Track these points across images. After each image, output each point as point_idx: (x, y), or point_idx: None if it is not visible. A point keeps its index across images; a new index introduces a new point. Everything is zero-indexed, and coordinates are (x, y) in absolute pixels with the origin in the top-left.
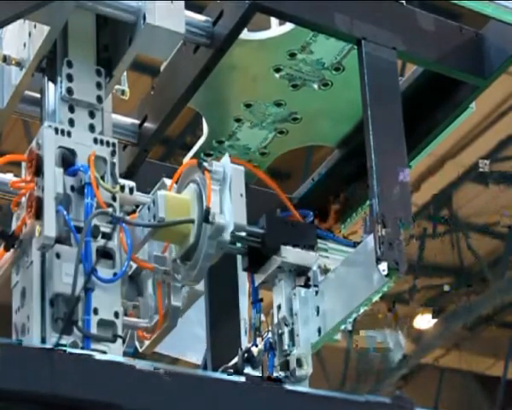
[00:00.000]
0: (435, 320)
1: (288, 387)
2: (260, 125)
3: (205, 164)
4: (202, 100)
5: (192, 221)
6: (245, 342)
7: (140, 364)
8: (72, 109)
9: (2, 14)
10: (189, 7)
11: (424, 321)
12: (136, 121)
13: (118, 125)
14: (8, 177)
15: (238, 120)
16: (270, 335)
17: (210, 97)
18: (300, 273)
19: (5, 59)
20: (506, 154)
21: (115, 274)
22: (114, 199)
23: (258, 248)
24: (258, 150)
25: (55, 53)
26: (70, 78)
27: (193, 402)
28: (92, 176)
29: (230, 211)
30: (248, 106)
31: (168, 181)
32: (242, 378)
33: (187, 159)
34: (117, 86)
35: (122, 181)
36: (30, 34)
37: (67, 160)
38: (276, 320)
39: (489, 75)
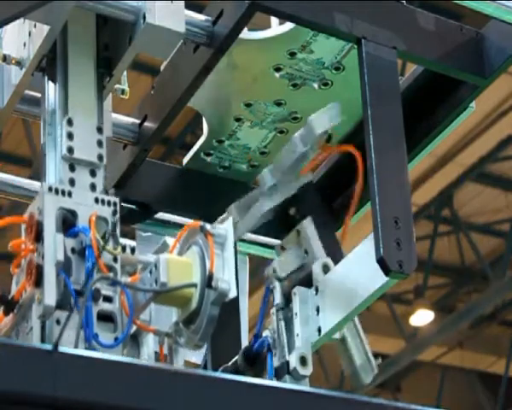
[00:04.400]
0: (435, 318)
1: (288, 386)
2: (260, 125)
3: (207, 227)
4: (202, 100)
5: (194, 285)
6: (245, 342)
7: (141, 364)
8: (72, 168)
9: (2, 13)
10: (188, 6)
11: (424, 319)
12: (136, 121)
13: (118, 124)
14: (8, 177)
15: (238, 120)
16: (269, 335)
17: (210, 97)
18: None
19: (5, 58)
20: (506, 154)
21: (116, 339)
22: (116, 260)
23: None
24: (258, 150)
25: (55, 52)
26: (71, 136)
27: (193, 402)
28: (93, 239)
29: (233, 275)
30: (248, 105)
31: (170, 240)
32: (242, 378)
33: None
34: (117, 86)
35: (123, 241)
36: (30, 33)
37: (68, 221)
38: (275, 320)
39: (489, 75)
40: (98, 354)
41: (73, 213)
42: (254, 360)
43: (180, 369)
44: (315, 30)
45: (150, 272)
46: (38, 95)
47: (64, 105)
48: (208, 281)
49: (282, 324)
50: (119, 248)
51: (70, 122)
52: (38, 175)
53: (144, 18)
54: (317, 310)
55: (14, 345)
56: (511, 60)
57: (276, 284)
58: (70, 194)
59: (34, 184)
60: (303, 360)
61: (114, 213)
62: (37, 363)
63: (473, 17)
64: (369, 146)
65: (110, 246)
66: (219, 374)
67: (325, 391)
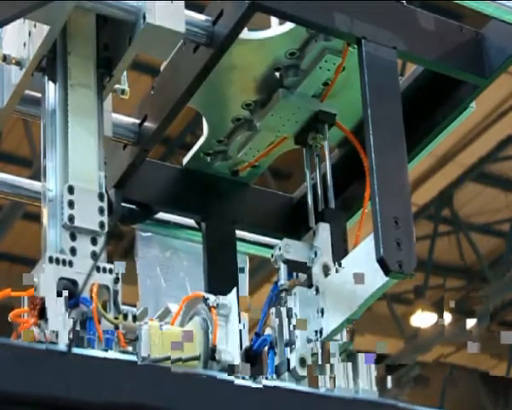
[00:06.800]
0: (437, 319)
1: (288, 386)
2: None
3: (210, 300)
4: (202, 100)
5: (198, 358)
6: (245, 342)
7: (154, 365)
8: (73, 237)
9: (3, 13)
10: (188, 6)
11: (424, 319)
12: (137, 121)
13: (118, 124)
14: (8, 177)
15: (238, 120)
16: (270, 334)
17: (210, 97)
18: (301, 270)
19: (5, 58)
20: (506, 154)
21: None
22: (117, 329)
23: None
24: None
25: (55, 52)
26: (72, 204)
27: (194, 402)
28: (94, 311)
29: (237, 345)
30: (248, 105)
31: (173, 306)
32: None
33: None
34: (117, 86)
35: (125, 308)
36: (30, 33)
37: (69, 291)
38: (276, 320)
39: (489, 75)
40: (111, 354)
41: (74, 283)
42: (255, 360)
43: (190, 371)
44: (315, 30)
45: None
46: (38, 95)
47: (64, 105)
48: (212, 354)
49: (283, 323)
50: (121, 318)
51: (71, 190)
52: (38, 175)
53: (144, 18)
54: (317, 311)
55: (27, 347)
56: (511, 60)
57: (282, 265)
58: (71, 263)
59: (34, 185)
60: (302, 361)
61: (116, 280)
62: (51, 364)
63: (473, 17)
64: (369, 146)
65: (111, 315)
66: (218, 374)
67: (325, 391)
